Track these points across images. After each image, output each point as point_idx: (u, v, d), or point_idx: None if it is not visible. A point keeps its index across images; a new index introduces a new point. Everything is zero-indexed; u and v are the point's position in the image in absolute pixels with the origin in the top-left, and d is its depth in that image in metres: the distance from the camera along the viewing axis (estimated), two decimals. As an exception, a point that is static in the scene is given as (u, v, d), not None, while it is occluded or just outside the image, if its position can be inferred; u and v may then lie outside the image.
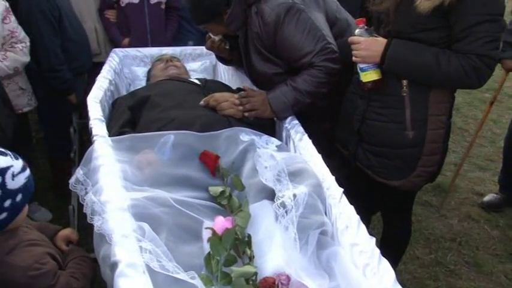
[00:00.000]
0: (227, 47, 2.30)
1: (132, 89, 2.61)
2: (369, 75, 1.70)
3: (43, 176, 3.09)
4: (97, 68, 2.58)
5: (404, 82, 1.67)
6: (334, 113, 2.00)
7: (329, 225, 1.40)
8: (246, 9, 1.98)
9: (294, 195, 1.39)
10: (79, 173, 1.56)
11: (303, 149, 1.76)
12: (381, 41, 1.66)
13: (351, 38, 1.72)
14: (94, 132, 1.75)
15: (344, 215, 1.37)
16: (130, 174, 1.56)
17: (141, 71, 2.77)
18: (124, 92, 2.52)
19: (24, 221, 1.34)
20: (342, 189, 1.46)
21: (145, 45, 3.01)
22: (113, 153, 1.63)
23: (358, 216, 1.33)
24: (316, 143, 1.77)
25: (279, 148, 1.82)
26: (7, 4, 2.44)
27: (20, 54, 2.44)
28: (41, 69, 2.62)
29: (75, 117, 2.77)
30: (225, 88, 2.24)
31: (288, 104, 1.93)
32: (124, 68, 2.74)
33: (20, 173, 1.24)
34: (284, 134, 1.97)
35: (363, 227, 1.30)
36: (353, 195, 1.47)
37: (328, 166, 1.61)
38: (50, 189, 3.08)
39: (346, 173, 2.00)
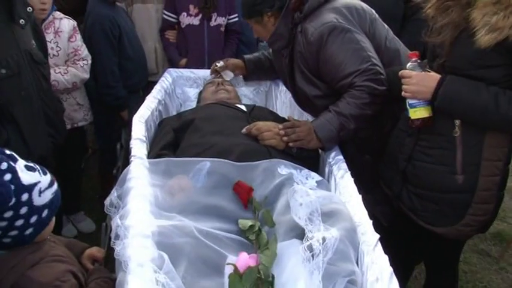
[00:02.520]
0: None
1: (183, 109, 2.64)
2: (419, 112, 1.59)
3: (93, 187, 3.18)
4: (153, 86, 2.62)
5: (457, 122, 1.54)
6: (374, 146, 1.89)
7: (359, 274, 1.29)
8: (292, 28, 1.96)
9: (324, 239, 1.30)
10: (113, 194, 1.57)
11: (343, 188, 1.67)
12: (434, 77, 1.55)
13: (402, 72, 1.62)
14: (133, 152, 1.77)
15: (376, 266, 1.26)
16: (160, 199, 1.55)
17: (193, 92, 2.78)
18: (174, 112, 2.55)
19: (52, 236, 1.35)
20: (378, 236, 1.35)
21: (202, 67, 3.02)
22: (147, 176, 1.62)
23: (391, 269, 1.22)
24: (355, 176, 1.68)
25: (319, 184, 1.73)
26: (75, 23, 2.57)
27: (80, 70, 2.55)
28: (97, 85, 2.72)
29: (125, 134, 2.84)
30: (272, 116, 2.19)
31: (334, 132, 1.86)
32: (177, 88, 2.77)
33: (47, 188, 1.24)
34: (327, 170, 1.88)
35: (395, 281, 1.19)
36: (393, 237, 1.35)
37: (365, 201, 1.51)
38: (98, 200, 3.15)
39: (384, 210, 1.88)
